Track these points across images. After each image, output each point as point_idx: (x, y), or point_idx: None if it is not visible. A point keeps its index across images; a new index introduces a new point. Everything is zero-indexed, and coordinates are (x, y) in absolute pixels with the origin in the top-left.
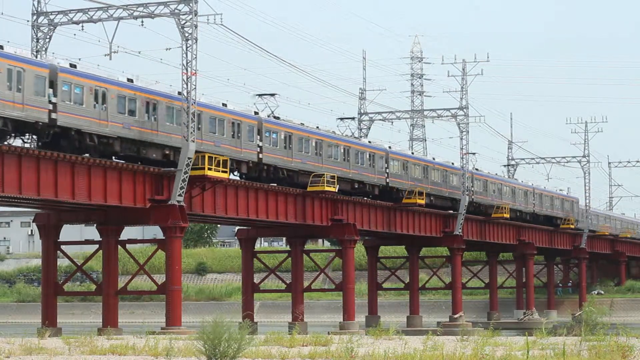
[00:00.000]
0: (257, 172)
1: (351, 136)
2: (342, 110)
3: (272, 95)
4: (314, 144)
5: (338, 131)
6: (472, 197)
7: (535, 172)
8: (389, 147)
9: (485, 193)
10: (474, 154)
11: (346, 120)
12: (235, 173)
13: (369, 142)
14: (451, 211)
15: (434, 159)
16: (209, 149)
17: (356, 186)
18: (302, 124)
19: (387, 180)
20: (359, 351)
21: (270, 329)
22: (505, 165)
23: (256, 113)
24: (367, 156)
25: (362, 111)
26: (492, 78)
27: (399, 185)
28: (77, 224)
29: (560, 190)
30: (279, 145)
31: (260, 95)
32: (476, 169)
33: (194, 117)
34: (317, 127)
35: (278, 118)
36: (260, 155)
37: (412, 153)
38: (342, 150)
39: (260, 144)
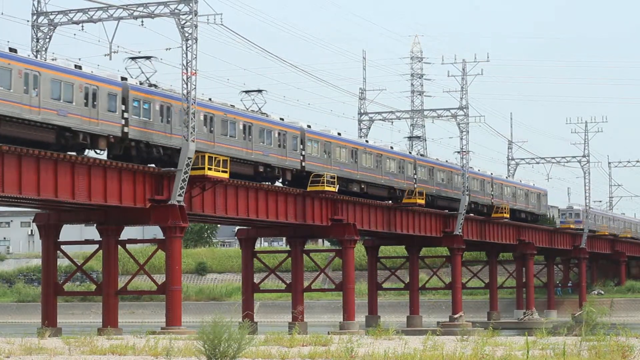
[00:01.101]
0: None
1: (257, 112)
2: (342, 111)
3: (148, 58)
4: (201, 117)
5: (242, 106)
6: (415, 185)
7: (535, 172)
8: (308, 127)
9: (432, 182)
10: (418, 137)
11: (252, 93)
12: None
13: (281, 119)
14: (390, 202)
15: (366, 141)
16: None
17: (261, 169)
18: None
19: (303, 163)
20: (359, 351)
21: (270, 329)
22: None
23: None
24: (277, 135)
25: (362, 111)
26: (492, 78)
27: (319, 169)
28: (77, 224)
29: (530, 182)
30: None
31: (134, 58)
32: (421, 155)
33: (194, 116)
34: (210, 99)
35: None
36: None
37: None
38: (241, 127)
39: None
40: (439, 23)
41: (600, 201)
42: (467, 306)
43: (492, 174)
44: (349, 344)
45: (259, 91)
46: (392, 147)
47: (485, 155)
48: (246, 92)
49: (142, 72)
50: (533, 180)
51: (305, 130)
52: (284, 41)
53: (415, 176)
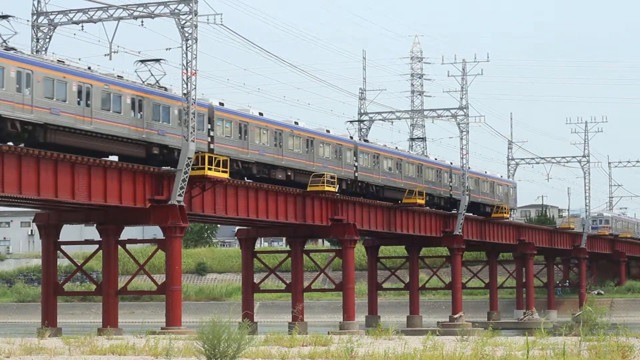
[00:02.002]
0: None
1: (154, 85)
2: (342, 111)
3: (157, 60)
4: (74, 88)
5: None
6: (356, 173)
7: (535, 172)
8: (220, 104)
9: (376, 170)
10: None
11: (149, 63)
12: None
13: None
14: (340, 195)
15: (296, 123)
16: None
17: (155, 152)
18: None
19: (211, 145)
20: (358, 351)
21: (270, 329)
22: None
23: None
24: (176, 112)
25: (362, 111)
26: (492, 78)
27: (232, 153)
28: (77, 224)
29: (498, 174)
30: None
31: (143, 61)
32: (365, 140)
33: (194, 116)
34: (89, 69)
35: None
36: None
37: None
38: (129, 101)
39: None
40: (439, 23)
41: (626, 208)
42: (467, 306)
43: (451, 163)
44: (349, 344)
45: (157, 60)
46: (328, 131)
47: (485, 155)
48: (142, 61)
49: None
50: (500, 172)
51: (214, 107)
52: (284, 41)
53: (356, 164)
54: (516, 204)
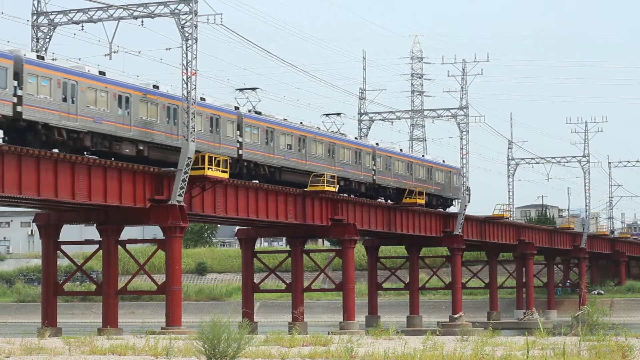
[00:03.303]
0: None
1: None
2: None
3: (254, 89)
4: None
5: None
6: (241, 151)
7: (535, 172)
8: (156, 87)
9: (270, 148)
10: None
11: (247, 91)
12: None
13: (101, 73)
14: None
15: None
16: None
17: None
18: None
19: (131, 134)
20: (359, 351)
21: (270, 329)
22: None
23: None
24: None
25: (362, 111)
26: (492, 78)
27: (167, 141)
28: (77, 224)
29: (439, 159)
30: None
31: (241, 89)
32: (256, 112)
33: (194, 116)
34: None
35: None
36: None
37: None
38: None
39: None
40: (439, 23)
41: None
42: (467, 306)
43: (377, 144)
44: (349, 344)
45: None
46: (203, 99)
47: (486, 155)
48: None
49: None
50: (442, 156)
51: (148, 91)
52: (284, 41)
53: (240, 139)
54: (462, 194)
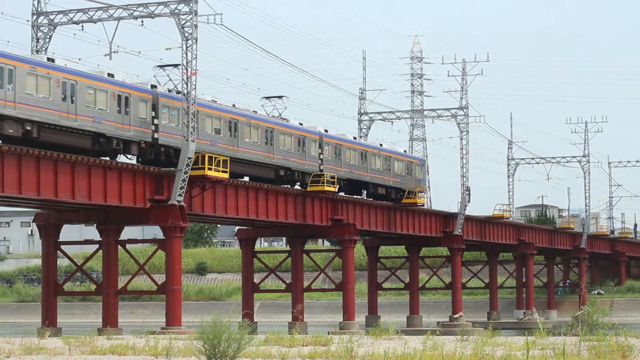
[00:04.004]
0: None
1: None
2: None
3: (280, 97)
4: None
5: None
6: (157, 134)
7: (535, 172)
8: (51, 60)
9: (199, 134)
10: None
11: (273, 99)
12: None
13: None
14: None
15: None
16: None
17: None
18: None
19: (14, 114)
20: (359, 351)
21: (270, 329)
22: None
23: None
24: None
25: (362, 111)
26: (492, 78)
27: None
28: (77, 224)
29: (400, 148)
30: None
31: (268, 97)
32: (178, 92)
33: (194, 116)
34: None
35: None
36: None
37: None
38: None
39: None
40: (439, 23)
41: None
42: (467, 306)
43: (325, 130)
44: (349, 344)
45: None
46: (111, 75)
47: (486, 155)
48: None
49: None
50: (400, 145)
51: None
52: (284, 41)
53: (156, 121)
54: (426, 186)
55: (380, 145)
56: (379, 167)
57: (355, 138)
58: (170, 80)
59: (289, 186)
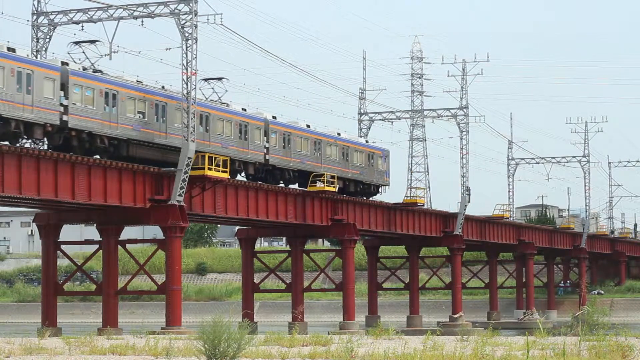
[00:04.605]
0: None
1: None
2: (342, 111)
3: (220, 79)
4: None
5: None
6: (66, 117)
7: (535, 172)
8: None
9: (113, 116)
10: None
11: (212, 81)
12: None
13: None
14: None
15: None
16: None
17: None
18: None
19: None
20: (359, 351)
21: (270, 328)
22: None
23: None
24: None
25: (362, 111)
26: (492, 78)
27: None
28: (77, 224)
29: (362, 139)
30: None
31: (207, 79)
32: (95, 70)
33: (194, 116)
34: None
35: None
36: None
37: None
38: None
39: None
40: (439, 23)
41: None
42: (467, 306)
43: (274, 117)
44: (349, 344)
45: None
46: (11, 50)
47: (486, 155)
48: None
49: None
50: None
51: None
52: (284, 41)
53: (66, 102)
54: (388, 179)
55: (338, 134)
56: (336, 157)
57: (308, 126)
58: (87, 58)
59: (230, 178)
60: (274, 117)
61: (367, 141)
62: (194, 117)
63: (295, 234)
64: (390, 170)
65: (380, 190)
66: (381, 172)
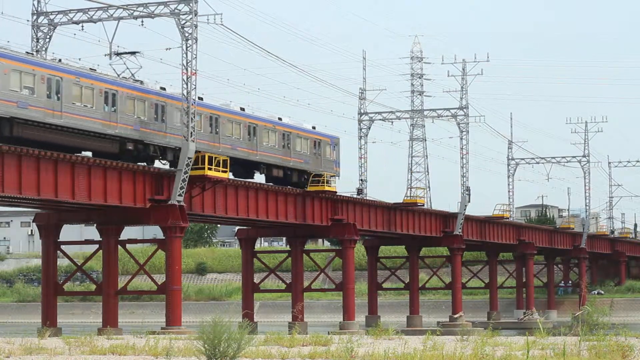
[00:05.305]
0: None
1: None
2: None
3: (133, 53)
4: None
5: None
6: None
7: (535, 172)
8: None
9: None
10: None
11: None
12: None
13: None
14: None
15: None
16: None
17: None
18: None
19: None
20: (359, 351)
21: (270, 328)
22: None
23: None
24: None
25: (362, 111)
26: (492, 78)
27: None
28: (77, 224)
29: (305, 124)
30: None
31: (119, 54)
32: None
33: (194, 116)
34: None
35: None
36: None
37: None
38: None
39: None
40: (439, 23)
41: None
42: (467, 306)
43: (200, 98)
44: (349, 344)
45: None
46: None
47: (486, 155)
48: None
49: (127, 68)
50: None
51: None
52: (284, 41)
53: None
54: (338, 168)
55: (279, 119)
56: (275, 144)
57: (243, 109)
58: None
59: (146, 163)
60: (200, 98)
61: (314, 127)
62: (194, 117)
63: (295, 234)
64: (341, 159)
65: (330, 180)
66: (329, 161)
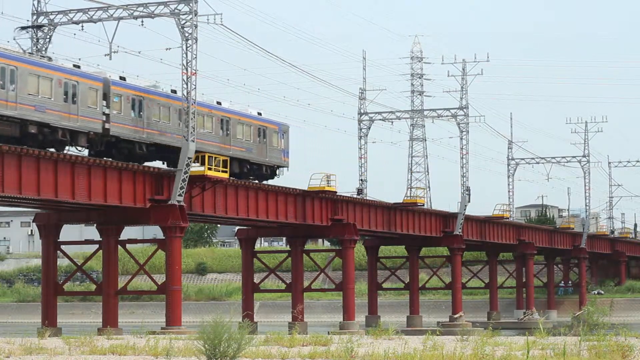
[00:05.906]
0: None
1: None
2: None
3: (40, 27)
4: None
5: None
6: None
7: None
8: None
9: None
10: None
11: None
12: None
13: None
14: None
15: None
16: None
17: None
18: None
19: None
20: (359, 351)
21: (270, 328)
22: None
23: None
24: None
25: (362, 111)
26: (492, 78)
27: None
28: (77, 224)
29: (249, 109)
30: None
31: (24, 28)
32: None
33: (194, 116)
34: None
35: None
36: None
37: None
38: None
39: None
40: (439, 23)
41: None
42: (467, 306)
43: (122, 78)
44: (349, 344)
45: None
46: None
47: (486, 155)
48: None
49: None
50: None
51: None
52: (284, 41)
53: None
54: (287, 158)
55: (218, 103)
56: (211, 130)
57: (174, 92)
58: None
59: (54, 149)
60: (122, 78)
61: (260, 113)
62: (194, 117)
63: (295, 234)
64: (291, 148)
65: (277, 172)
66: (277, 150)
